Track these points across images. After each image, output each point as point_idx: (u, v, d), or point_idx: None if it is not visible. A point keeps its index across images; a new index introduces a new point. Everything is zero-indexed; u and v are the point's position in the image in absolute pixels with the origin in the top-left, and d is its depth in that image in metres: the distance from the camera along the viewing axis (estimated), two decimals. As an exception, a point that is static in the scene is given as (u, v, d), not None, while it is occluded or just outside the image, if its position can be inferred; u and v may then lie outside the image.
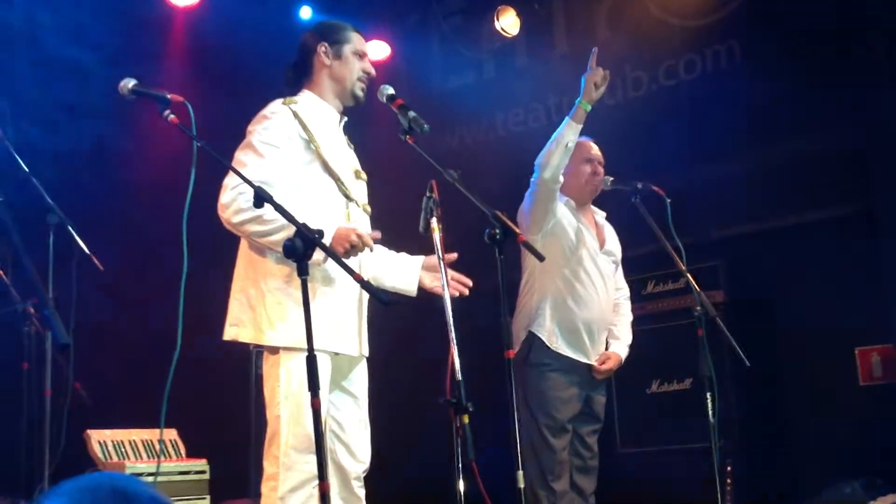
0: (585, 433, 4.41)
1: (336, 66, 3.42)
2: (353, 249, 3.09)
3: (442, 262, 3.15)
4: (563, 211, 4.41)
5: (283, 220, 2.88)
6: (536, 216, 4.32)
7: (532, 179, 4.30)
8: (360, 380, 3.39)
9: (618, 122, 6.13)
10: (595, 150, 4.56)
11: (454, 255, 3.37)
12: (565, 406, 4.32)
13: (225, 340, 3.28)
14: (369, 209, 3.47)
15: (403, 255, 3.58)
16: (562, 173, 4.26)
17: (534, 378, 4.32)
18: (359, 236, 3.10)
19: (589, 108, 4.23)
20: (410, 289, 3.56)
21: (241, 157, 3.18)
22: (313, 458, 3.02)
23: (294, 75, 3.45)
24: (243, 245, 3.28)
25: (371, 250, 3.24)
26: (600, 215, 4.64)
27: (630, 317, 4.65)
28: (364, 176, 3.51)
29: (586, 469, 4.42)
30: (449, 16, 6.98)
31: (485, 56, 6.97)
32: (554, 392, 4.31)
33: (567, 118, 4.22)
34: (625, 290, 4.68)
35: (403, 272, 3.55)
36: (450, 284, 3.26)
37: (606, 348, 4.50)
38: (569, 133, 4.19)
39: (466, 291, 3.42)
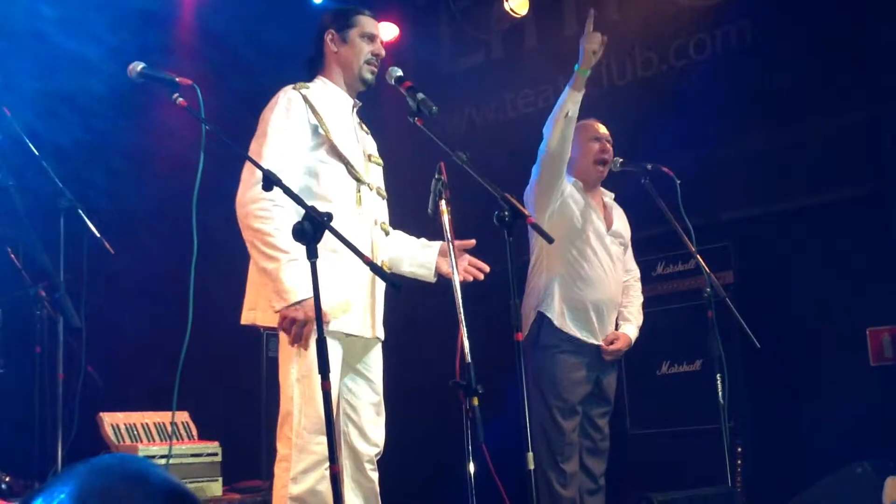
0: (596, 415, 4.42)
1: (343, 51, 3.43)
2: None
3: (451, 245, 3.15)
4: (570, 191, 4.41)
5: (276, 259, 3.01)
6: (542, 187, 4.30)
7: (540, 149, 4.29)
8: (375, 363, 3.39)
9: (627, 103, 6.12)
10: (602, 129, 4.56)
11: (472, 242, 3.37)
12: (575, 387, 4.33)
13: (238, 320, 3.30)
14: (384, 193, 3.47)
15: (422, 240, 3.59)
16: (569, 148, 4.25)
17: (544, 359, 4.33)
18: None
19: (588, 73, 4.19)
20: (428, 275, 3.58)
21: (256, 148, 3.21)
22: (325, 440, 3.05)
23: (310, 65, 3.48)
24: None
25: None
26: (609, 196, 4.63)
27: (640, 298, 4.65)
28: (379, 161, 3.52)
29: (596, 451, 4.43)
30: (458, -3, 6.96)
31: (493, 37, 6.95)
32: (564, 373, 4.32)
33: (567, 87, 4.19)
34: (635, 272, 4.67)
35: (421, 258, 3.55)
36: (465, 269, 3.27)
37: (616, 329, 4.50)
38: (569, 102, 4.16)
39: (481, 276, 3.43)
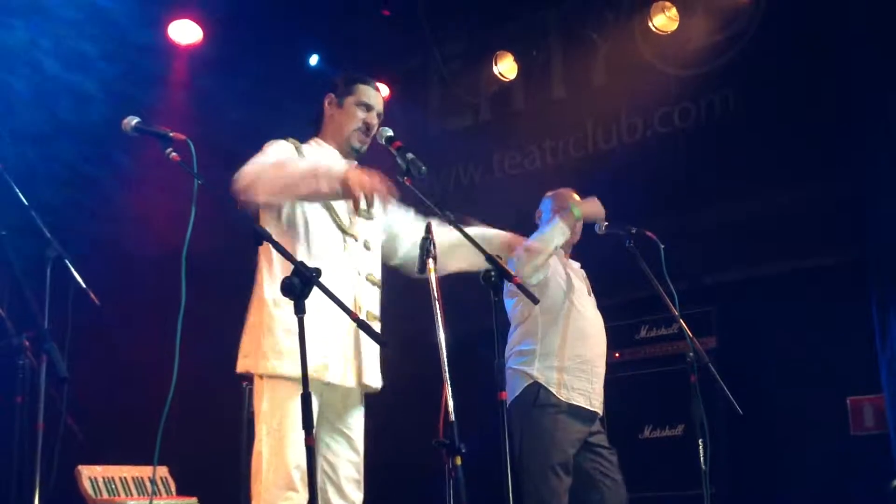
0: (596, 444, 4.37)
1: (337, 115, 3.45)
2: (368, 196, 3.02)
3: (437, 302, 3.15)
4: (553, 263, 4.44)
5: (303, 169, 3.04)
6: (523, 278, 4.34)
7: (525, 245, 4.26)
8: (356, 422, 3.36)
9: (613, 167, 6.20)
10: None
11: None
12: (571, 448, 4.28)
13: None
14: (371, 246, 3.44)
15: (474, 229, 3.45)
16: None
17: (543, 419, 4.27)
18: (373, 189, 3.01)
19: (580, 218, 4.31)
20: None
21: (254, 159, 3.22)
22: (294, 495, 3.05)
23: (312, 124, 3.52)
24: (257, 277, 3.30)
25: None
26: (576, 265, 4.65)
27: None
28: (372, 216, 3.51)
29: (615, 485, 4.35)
30: (448, 60, 7.06)
31: (482, 99, 7.05)
32: (564, 434, 4.26)
33: (558, 220, 4.26)
34: None
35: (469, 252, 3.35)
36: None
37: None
38: (558, 237, 4.23)
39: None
